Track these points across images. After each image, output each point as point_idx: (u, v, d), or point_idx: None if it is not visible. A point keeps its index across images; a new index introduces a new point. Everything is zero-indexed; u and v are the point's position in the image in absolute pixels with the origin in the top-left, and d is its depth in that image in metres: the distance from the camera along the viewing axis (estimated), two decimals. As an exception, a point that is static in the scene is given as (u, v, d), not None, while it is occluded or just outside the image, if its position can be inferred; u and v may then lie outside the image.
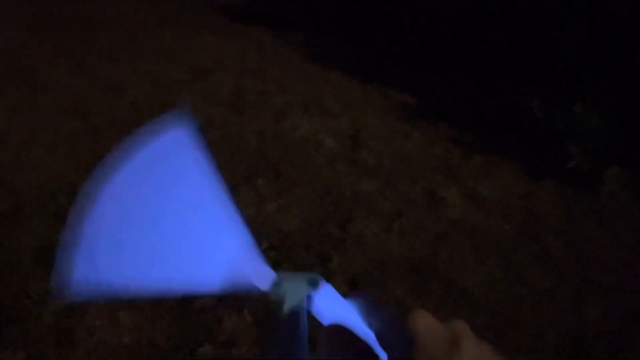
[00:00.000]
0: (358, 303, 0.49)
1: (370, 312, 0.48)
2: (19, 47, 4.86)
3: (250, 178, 3.29)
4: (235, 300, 2.28)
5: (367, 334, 0.47)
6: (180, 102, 3.89)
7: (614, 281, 2.81)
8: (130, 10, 6.16)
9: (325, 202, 3.18)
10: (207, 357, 2.11)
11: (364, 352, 0.47)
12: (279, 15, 6.52)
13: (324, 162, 3.55)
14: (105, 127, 3.65)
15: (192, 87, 4.43)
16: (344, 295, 0.50)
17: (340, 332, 0.47)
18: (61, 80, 4.32)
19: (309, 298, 0.48)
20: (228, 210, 0.49)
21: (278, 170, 3.41)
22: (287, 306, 0.47)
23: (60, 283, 0.42)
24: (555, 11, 4.02)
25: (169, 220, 0.47)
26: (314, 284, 0.49)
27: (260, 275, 0.48)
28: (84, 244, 0.43)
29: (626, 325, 2.58)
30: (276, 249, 2.75)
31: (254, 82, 4.62)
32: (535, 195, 3.39)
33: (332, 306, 0.49)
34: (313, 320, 0.48)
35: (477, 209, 3.23)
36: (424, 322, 0.44)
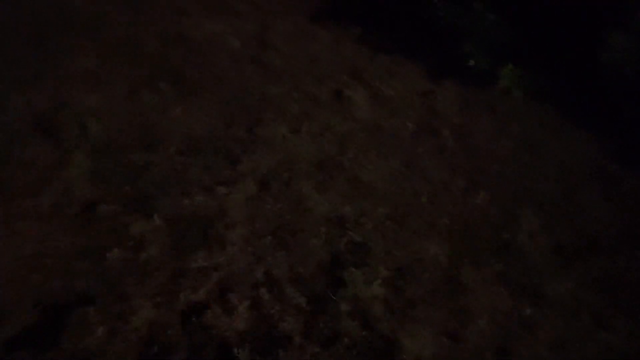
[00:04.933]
0: None
1: None
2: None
3: (151, 81, 3.13)
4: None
5: None
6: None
7: (501, 169, 3.08)
8: None
9: (232, 105, 3.13)
10: (116, 263, 2.12)
11: None
12: None
13: (230, 64, 3.45)
14: None
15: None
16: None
17: None
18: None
19: None
20: None
21: (181, 72, 3.27)
22: None
23: None
24: None
25: None
26: None
27: None
28: None
29: (510, 208, 2.87)
30: (184, 154, 2.70)
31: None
32: (435, 93, 3.53)
33: None
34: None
35: (381, 108, 3.33)
36: None
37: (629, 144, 3.39)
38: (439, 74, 3.69)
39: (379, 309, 2.18)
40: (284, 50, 3.71)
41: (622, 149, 3.35)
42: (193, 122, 2.95)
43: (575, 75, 3.66)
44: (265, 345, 2.01)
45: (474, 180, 2.98)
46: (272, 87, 3.33)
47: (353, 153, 2.96)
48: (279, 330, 2.05)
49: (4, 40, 3.16)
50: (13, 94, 2.77)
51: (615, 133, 3.44)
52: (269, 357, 1.97)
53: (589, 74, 3.60)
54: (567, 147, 3.34)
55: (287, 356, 1.98)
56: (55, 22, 3.41)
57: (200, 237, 2.29)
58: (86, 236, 2.17)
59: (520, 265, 2.54)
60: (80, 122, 2.72)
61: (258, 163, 2.74)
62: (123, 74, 3.16)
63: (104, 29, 3.47)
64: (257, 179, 2.65)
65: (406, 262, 2.42)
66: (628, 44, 3.49)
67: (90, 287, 2.03)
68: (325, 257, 2.35)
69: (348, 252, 2.40)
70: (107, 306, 1.98)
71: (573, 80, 3.67)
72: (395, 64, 3.75)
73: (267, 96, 3.24)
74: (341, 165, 2.86)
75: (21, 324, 1.89)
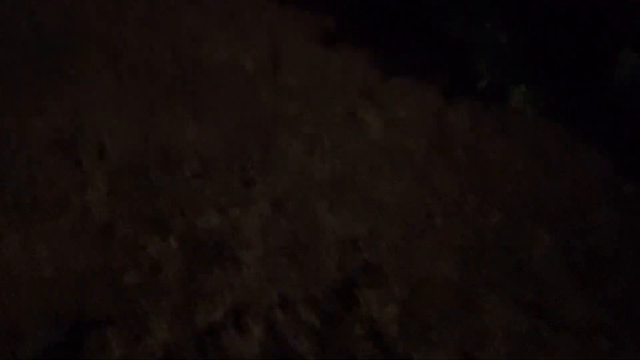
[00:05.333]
0: None
1: None
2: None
3: (168, 103, 3.20)
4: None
5: None
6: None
7: (514, 188, 3.08)
8: None
9: (247, 126, 3.18)
10: (133, 284, 2.15)
11: None
12: None
13: (244, 85, 3.50)
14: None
15: (100, 8, 4.11)
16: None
17: None
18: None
19: None
20: None
21: (197, 94, 3.34)
22: None
23: None
24: None
25: None
26: None
27: None
28: None
29: (523, 227, 2.87)
30: (199, 174, 2.75)
31: (167, 1, 4.35)
32: (447, 112, 3.55)
33: None
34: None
35: (393, 128, 3.36)
36: None
37: (643, 162, 3.37)
38: (450, 93, 3.71)
39: (394, 331, 2.17)
40: (296, 71, 3.76)
41: (636, 167, 3.33)
42: (209, 143, 3.00)
43: (588, 93, 3.66)
44: (279, 366, 2.02)
45: (487, 199, 2.98)
46: (285, 108, 3.38)
47: (366, 173, 2.98)
48: (293, 352, 2.06)
49: (21, 61, 3.24)
50: (32, 115, 2.84)
51: (629, 150, 3.43)
52: (284, 378, 1.98)
53: (602, 92, 3.60)
54: (580, 165, 3.33)
55: (302, 378, 1.99)
56: (72, 43, 3.50)
57: (215, 258, 2.32)
58: (104, 257, 2.20)
59: (535, 286, 2.52)
60: (99, 142, 2.78)
61: (272, 184, 2.78)
62: (140, 96, 3.23)
63: (121, 51, 3.55)
64: (271, 199, 2.68)
65: (420, 282, 2.42)
66: (639, 61, 3.50)
67: (108, 307, 2.06)
68: (339, 278, 2.36)
69: (362, 273, 2.41)
70: (124, 327, 2.01)
71: (585, 97, 3.66)
72: (406, 83, 3.78)
73: (280, 117, 3.29)
74: (354, 186, 2.88)
75: (40, 344, 1.92)
